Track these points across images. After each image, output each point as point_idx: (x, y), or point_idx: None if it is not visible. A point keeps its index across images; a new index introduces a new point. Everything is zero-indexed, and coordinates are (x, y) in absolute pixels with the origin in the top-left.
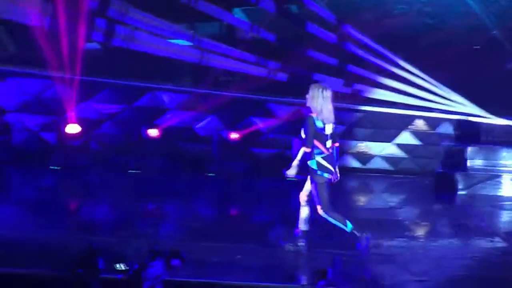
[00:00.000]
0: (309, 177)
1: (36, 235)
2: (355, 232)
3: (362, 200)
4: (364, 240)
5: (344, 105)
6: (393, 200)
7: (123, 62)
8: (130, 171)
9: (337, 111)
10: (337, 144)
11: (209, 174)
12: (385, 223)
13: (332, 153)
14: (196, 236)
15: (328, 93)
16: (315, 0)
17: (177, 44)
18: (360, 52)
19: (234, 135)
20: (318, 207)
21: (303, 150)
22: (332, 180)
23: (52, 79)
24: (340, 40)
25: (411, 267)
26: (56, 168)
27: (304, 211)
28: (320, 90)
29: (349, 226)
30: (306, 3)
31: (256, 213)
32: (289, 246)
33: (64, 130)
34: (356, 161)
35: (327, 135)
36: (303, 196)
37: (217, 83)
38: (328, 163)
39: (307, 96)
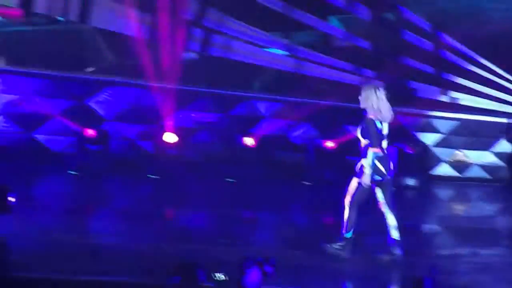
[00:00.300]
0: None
1: (134, 244)
2: (341, 245)
3: (459, 208)
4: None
5: (441, 113)
6: (490, 209)
7: (219, 71)
8: (226, 179)
9: (434, 119)
10: (389, 145)
11: (305, 183)
12: (482, 232)
13: (386, 154)
14: (292, 244)
15: (382, 92)
16: (411, 8)
17: (273, 53)
18: (457, 60)
19: (329, 144)
20: (347, 197)
21: (371, 152)
22: (383, 180)
23: (150, 88)
24: (436, 48)
25: (509, 276)
26: (153, 177)
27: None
28: (373, 90)
29: (348, 234)
30: (402, 11)
31: None
32: (384, 255)
33: (161, 139)
34: (453, 169)
35: (384, 135)
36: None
37: (312, 92)
38: (382, 164)
39: (360, 97)
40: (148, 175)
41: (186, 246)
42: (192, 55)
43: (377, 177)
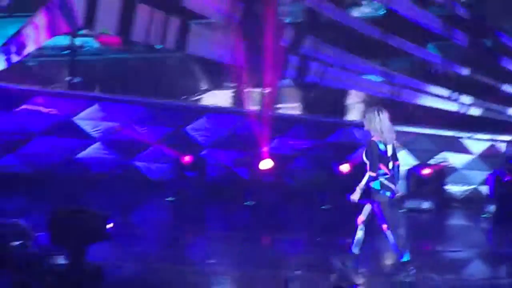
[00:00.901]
0: (371, 199)
1: (232, 270)
2: (405, 265)
3: None
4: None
5: None
6: None
7: (315, 98)
8: (323, 207)
9: None
10: (397, 163)
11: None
12: None
13: (393, 173)
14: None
15: (384, 114)
16: (509, 33)
17: (369, 80)
18: None
19: (426, 171)
20: (384, 226)
21: (368, 175)
22: (393, 197)
23: (247, 115)
24: None
25: None
26: (249, 204)
27: (359, 234)
28: (376, 112)
29: (406, 257)
30: (499, 37)
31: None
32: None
33: (257, 165)
34: None
35: (389, 156)
36: (360, 219)
37: (409, 118)
38: (390, 182)
39: (364, 120)
40: (245, 203)
41: (282, 272)
42: (289, 82)
43: (389, 194)
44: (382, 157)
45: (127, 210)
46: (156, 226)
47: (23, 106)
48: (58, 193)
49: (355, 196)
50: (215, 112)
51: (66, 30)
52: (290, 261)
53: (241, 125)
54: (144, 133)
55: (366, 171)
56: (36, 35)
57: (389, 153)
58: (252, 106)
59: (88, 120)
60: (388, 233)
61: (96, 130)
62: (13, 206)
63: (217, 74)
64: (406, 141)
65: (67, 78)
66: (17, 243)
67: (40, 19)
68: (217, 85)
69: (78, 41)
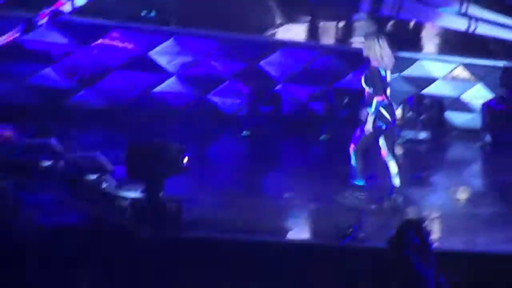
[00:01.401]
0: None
1: (306, 204)
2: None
3: None
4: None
5: None
6: None
7: (389, 32)
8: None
9: None
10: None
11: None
12: None
13: (390, 101)
14: None
15: (383, 40)
16: None
17: (445, 13)
18: None
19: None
20: (352, 146)
21: (376, 100)
22: (387, 128)
23: (321, 49)
24: None
25: None
26: (324, 138)
27: (392, 166)
28: (375, 38)
29: (359, 182)
30: None
31: None
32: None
33: (332, 100)
34: None
35: (388, 82)
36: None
37: (484, 51)
38: (388, 112)
39: (363, 46)
40: (319, 136)
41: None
42: (364, 16)
43: (383, 125)
44: (383, 83)
45: (202, 144)
46: (231, 160)
47: (100, 41)
48: (134, 127)
49: (369, 126)
50: (290, 46)
51: None
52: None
53: (316, 59)
54: (219, 67)
55: (364, 98)
56: None
57: (388, 79)
58: (327, 40)
59: (163, 54)
60: (351, 152)
61: (172, 65)
62: (90, 140)
63: (292, 8)
64: (482, 75)
65: (143, 13)
66: (94, 176)
67: None
68: (292, 19)
69: None
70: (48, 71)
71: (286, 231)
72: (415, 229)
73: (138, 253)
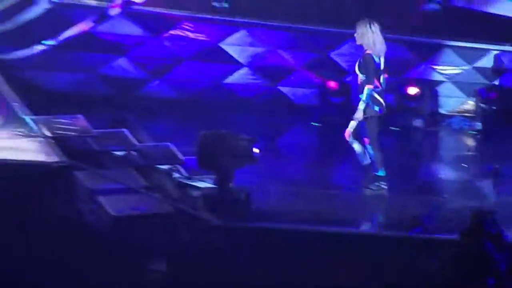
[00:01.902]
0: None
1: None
2: (379, 179)
3: None
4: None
5: None
6: None
7: (462, 23)
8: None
9: None
10: (385, 75)
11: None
12: None
13: (383, 88)
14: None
15: (376, 26)
16: None
17: None
18: None
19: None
20: (366, 139)
21: (367, 88)
22: (381, 112)
23: (393, 40)
24: None
25: None
26: (395, 129)
27: (357, 147)
28: (368, 25)
29: (381, 172)
30: None
31: None
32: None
33: (404, 91)
34: None
35: (381, 69)
36: (347, 133)
37: None
38: (381, 97)
39: (356, 35)
40: (390, 127)
41: (426, 197)
42: (435, 6)
43: (377, 109)
44: (376, 70)
45: (273, 134)
46: (302, 150)
47: (171, 32)
48: (205, 118)
49: (359, 114)
50: None
51: None
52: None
53: (386, 50)
54: (290, 58)
55: (357, 85)
56: None
57: (382, 66)
58: (399, 31)
59: (234, 45)
60: (368, 146)
61: (243, 56)
62: (161, 130)
63: None
64: None
65: (215, 4)
66: (166, 167)
67: None
68: (361, 10)
69: None
70: (120, 61)
71: (356, 222)
72: (492, 219)
73: (209, 242)
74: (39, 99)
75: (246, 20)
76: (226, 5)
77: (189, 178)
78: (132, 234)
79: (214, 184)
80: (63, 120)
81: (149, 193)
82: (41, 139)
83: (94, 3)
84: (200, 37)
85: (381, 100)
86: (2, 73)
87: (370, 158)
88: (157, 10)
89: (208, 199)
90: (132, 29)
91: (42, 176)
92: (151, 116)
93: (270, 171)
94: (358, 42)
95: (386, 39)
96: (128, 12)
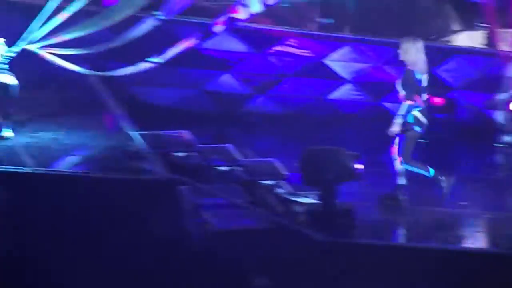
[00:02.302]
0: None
1: (482, 212)
2: (438, 177)
3: None
4: (445, 182)
5: None
6: None
7: None
8: None
9: None
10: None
11: None
12: None
13: (426, 106)
14: None
15: (420, 44)
16: None
17: None
18: None
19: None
20: (400, 158)
21: (406, 104)
22: (422, 132)
23: (497, 56)
24: None
25: None
26: (501, 146)
27: (397, 164)
28: (412, 42)
29: (431, 171)
30: None
31: None
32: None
33: (508, 107)
34: None
35: (423, 87)
36: (393, 150)
37: None
38: (423, 116)
39: (399, 50)
40: (495, 143)
41: None
42: None
43: (418, 128)
44: (418, 87)
45: (376, 150)
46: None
47: (275, 48)
48: (308, 133)
49: (394, 129)
50: (466, 53)
51: None
52: None
53: (492, 66)
54: (394, 74)
55: (400, 101)
56: None
57: (424, 83)
58: (504, 47)
59: (339, 61)
60: (405, 166)
61: (347, 71)
62: (265, 146)
63: (468, 15)
64: None
65: (319, 20)
66: (270, 182)
67: None
68: (468, 25)
69: None
70: (225, 77)
71: (460, 240)
72: None
73: (313, 257)
74: (146, 115)
75: (350, 36)
76: (330, 21)
77: (292, 194)
78: (235, 248)
79: (318, 200)
80: (169, 135)
81: (253, 208)
82: (147, 154)
83: (199, 19)
84: (304, 53)
85: (423, 120)
86: (110, 89)
87: (414, 171)
88: (262, 26)
89: (312, 215)
90: (236, 45)
91: (148, 190)
92: (255, 131)
93: (373, 187)
94: (401, 58)
95: (492, 55)
96: (233, 29)
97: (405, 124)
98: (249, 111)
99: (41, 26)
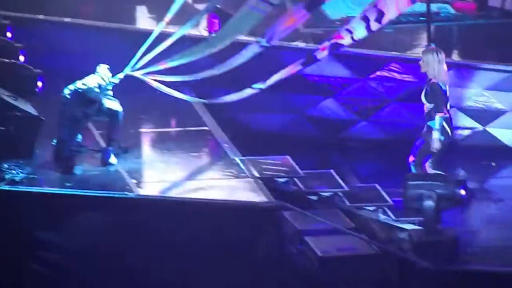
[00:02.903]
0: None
1: None
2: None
3: None
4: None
5: None
6: None
7: None
8: None
9: None
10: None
11: None
12: None
13: (450, 115)
14: None
15: (442, 55)
16: None
17: None
18: None
19: None
20: (411, 157)
21: (438, 117)
22: (448, 141)
23: None
24: None
25: None
26: None
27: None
28: (435, 53)
29: None
30: None
31: None
32: None
33: None
34: None
35: (448, 97)
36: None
37: None
38: (448, 125)
39: (421, 62)
40: None
41: None
42: None
43: (443, 139)
44: (444, 97)
45: (482, 175)
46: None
47: (378, 73)
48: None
49: (436, 144)
50: None
51: None
52: None
53: None
54: (499, 99)
55: (423, 113)
56: (396, 3)
57: (448, 93)
58: None
59: None
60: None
61: (450, 96)
62: (368, 171)
63: None
64: None
65: (424, 45)
66: (372, 208)
67: None
68: None
69: (434, 7)
70: (327, 102)
71: None
72: None
73: (417, 284)
74: (248, 140)
75: (455, 61)
76: (433, 45)
77: (395, 220)
78: (338, 274)
79: (421, 226)
80: (271, 161)
81: (356, 234)
82: (250, 179)
83: (302, 45)
84: (407, 78)
85: (449, 130)
86: (213, 115)
87: None
88: (365, 51)
89: (415, 241)
90: (339, 70)
91: (251, 215)
92: (358, 157)
93: (478, 212)
94: (422, 70)
95: None
96: (336, 54)
97: (430, 132)
98: (351, 136)
99: (145, 53)
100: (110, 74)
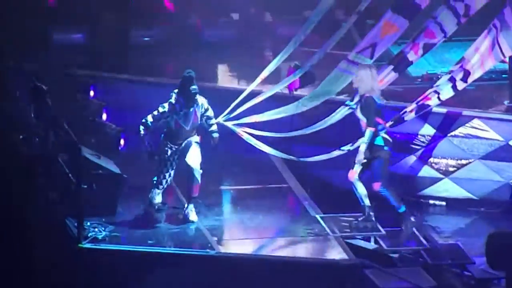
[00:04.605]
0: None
1: None
2: (406, 215)
3: None
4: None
5: None
6: None
7: None
8: None
9: None
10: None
11: None
12: None
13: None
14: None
15: (375, 71)
16: None
17: None
18: None
19: None
20: (377, 184)
21: (369, 131)
22: (390, 150)
23: None
24: None
25: None
26: None
27: (360, 188)
28: (369, 70)
29: (402, 208)
30: None
31: None
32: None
33: None
34: None
35: (382, 109)
36: (351, 174)
37: None
38: (388, 135)
39: (355, 78)
40: None
41: None
42: None
43: (386, 148)
44: (379, 111)
45: None
46: None
47: (462, 130)
48: (496, 216)
49: (360, 157)
50: None
51: (508, 54)
52: None
53: None
54: None
55: (361, 128)
56: (481, 62)
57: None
58: None
59: None
60: (382, 189)
61: None
62: (449, 228)
63: None
64: None
65: (506, 102)
66: (455, 265)
67: (483, 43)
68: None
69: None
70: (409, 159)
71: None
72: None
73: None
74: (328, 198)
75: None
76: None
77: (478, 278)
78: None
79: (507, 285)
80: (351, 219)
81: None
82: (331, 237)
83: (392, 103)
84: (489, 135)
85: (390, 140)
86: (294, 173)
87: (389, 200)
88: (449, 109)
89: None
90: (423, 128)
91: (332, 273)
92: (438, 214)
93: None
94: (354, 86)
95: None
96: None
97: (377, 148)
98: (431, 194)
99: (238, 105)
100: None
